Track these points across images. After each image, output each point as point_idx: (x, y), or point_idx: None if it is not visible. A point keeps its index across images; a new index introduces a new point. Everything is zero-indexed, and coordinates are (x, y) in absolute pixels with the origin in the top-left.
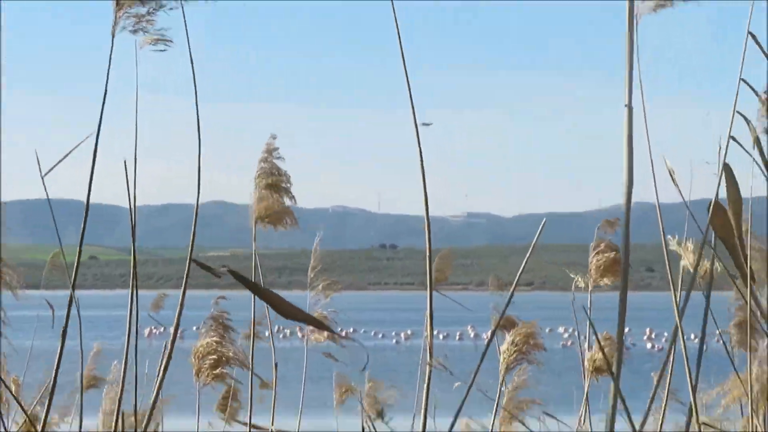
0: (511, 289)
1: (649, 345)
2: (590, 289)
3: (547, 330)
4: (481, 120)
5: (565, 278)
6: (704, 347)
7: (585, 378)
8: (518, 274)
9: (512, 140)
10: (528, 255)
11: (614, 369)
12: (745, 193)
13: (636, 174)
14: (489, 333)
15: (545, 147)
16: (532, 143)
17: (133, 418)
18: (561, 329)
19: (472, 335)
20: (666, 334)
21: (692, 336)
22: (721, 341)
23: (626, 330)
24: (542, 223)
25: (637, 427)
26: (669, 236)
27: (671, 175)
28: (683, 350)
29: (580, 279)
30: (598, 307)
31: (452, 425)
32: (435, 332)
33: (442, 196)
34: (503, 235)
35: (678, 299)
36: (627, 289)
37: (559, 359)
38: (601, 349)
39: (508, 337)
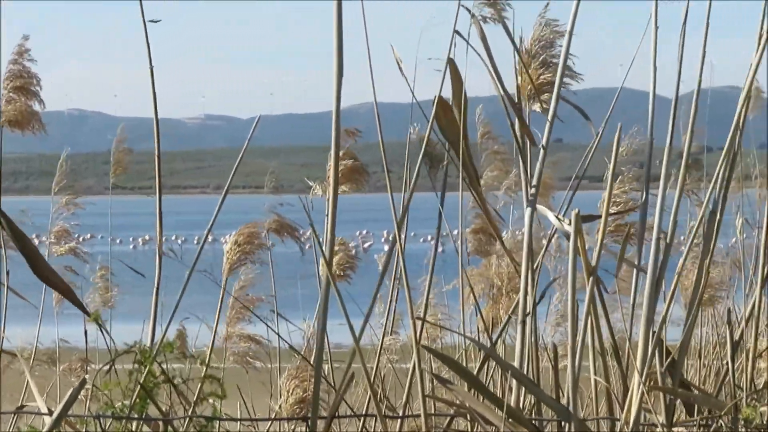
0: (223, 192)
1: (386, 247)
2: (327, 196)
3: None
4: (223, 11)
5: (304, 181)
6: (439, 248)
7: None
8: (231, 174)
9: (253, 34)
10: (241, 155)
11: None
12: (478, 92)
13: (367, 72)
14: (228, 237)
15: (287, 42)
16: (273, 39)
17: None
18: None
19: (210, 239)
20: (410, 234)
21: (429, 237)
22: (453, 243)
23: (364, 232)
24: (255, 121)
25: (357, 333)
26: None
27: (399, 66)
28: (399, 249)
29: (317, 186)
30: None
31: (167, 326)
32: (173, 237)
33: (179, 97)
34: (242, 138)
35: (399, 199)
36: (337, 192)
37: (296, 264)
38: (326, 254)
39: (231, 237)
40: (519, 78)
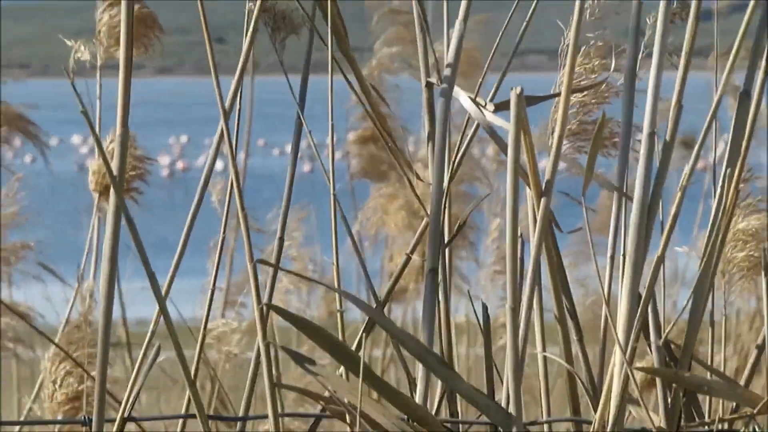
0: None
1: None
2: (100, 63)
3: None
4: None
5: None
6: (307, 167)
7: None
8: None
9: None
10: None
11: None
12: None
13: None
14: None
15: None
16: None
17: None
18: (76, 138)
19: None
20: (254, 143)
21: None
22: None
23: (184, 139)
24: None
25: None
26: None
27: None
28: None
29: (84, 50)
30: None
31: None
32: None
33: None
34: None
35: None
36: (131, 54)
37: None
38: (106, 162)
39: None
40: None
